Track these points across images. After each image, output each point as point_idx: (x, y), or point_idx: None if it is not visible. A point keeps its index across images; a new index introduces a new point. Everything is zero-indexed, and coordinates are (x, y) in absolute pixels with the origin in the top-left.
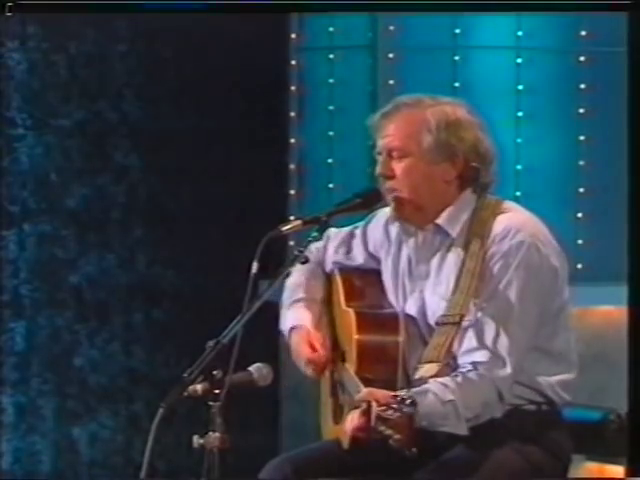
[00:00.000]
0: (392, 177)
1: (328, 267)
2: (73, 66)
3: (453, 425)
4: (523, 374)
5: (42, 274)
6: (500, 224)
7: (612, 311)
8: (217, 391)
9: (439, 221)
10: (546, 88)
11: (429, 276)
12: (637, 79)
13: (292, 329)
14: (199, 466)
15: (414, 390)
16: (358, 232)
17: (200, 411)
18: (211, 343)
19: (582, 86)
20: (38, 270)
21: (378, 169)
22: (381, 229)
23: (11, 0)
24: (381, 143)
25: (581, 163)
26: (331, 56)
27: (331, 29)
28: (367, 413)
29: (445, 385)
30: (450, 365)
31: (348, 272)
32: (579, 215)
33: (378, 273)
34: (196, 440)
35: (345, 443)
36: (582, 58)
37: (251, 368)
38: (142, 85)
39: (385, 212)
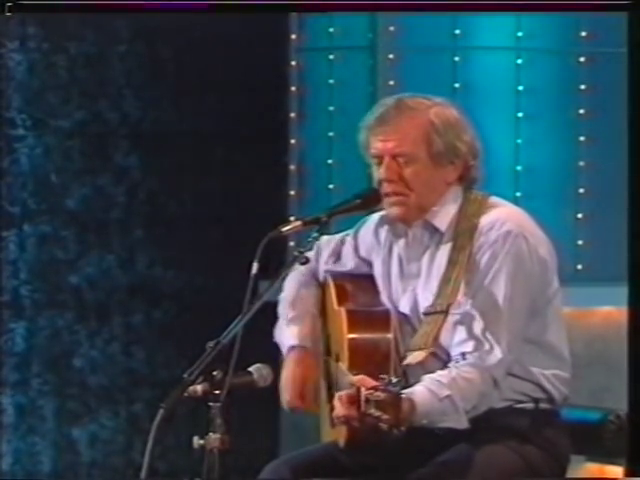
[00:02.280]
0: (398, 181)
1: (321, 275)
2: (73, 67)
3: (453, 420)
4: (520, 367)
5: (42, 275)
6: (487, 217)
7: (612, 312)
8: (217, 392)
9: (427, 217)
10: (546, 89)
11: (420, 274)
12: (637, 79)
13: (291, 349)
14: (199, 467)
15: (409, 390)
16: (349, 239)
17: (200, 412)
18: (211, 344)
19: (582, 87)
20: (38, 271)
21: (383, 174)
22: (371, 233)
23: (11, 0)
24: (382, 146)
25: (581, 164)
26: (331, 57)
27: (331, 29)
28: (356, 397)
29: (440, 382)
30: (438, 354)
31: (341, 277)
32: (579, 215)
33: (371, 277)
34: (196, 441)
35: (342, 442)
36: (582, 59)
37: (251, 369)
38: (142, 85)
39: (375, 217)
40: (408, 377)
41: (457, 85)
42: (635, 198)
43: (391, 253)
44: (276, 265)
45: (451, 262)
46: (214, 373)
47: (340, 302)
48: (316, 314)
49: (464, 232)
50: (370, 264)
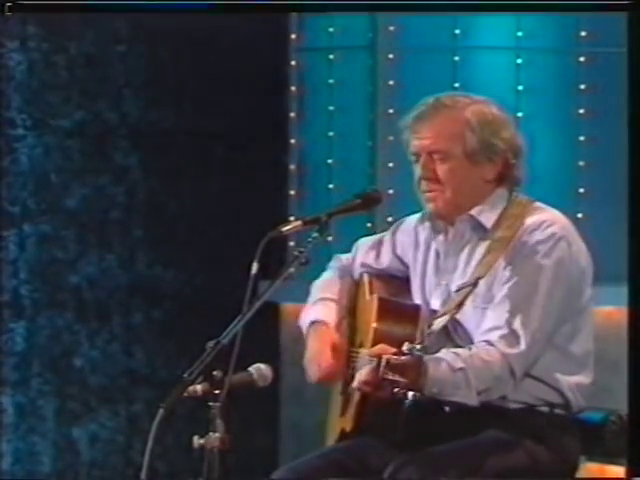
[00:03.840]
0: (434, 179)
1: (357, 273)
2: (73, 66)
3: (464, 395)
4: (545, 372)
5: (42, 275)
6: (533, 218)
7: (612, 312)
8: (217, 391)
9: (473, 212)
10: (546, 88)
11: (456, 269)
12: (637, 79)
13: (312, 323)
14: (199, 467)
15: (426, 357)
16: (387, 238)
17: (200, 412)
18: (211, 343)
19: (582, 86)
20: (38, 271)
21: (419, 172)
22: (411, 232)
23: (11, 0)
24: (419, 144)
25: (581, 163)
26: (331, 56)
27: (331, 29)
28: (377, 367)
29: (457, 354)
30: (459, 342)
31: (376, 273)
32: (579, 215)
33: (405, 278)
34: (196, 441)
35: (349, 426)
36: (582, 58)
37: (251, 368)
38: (142, 85)
39: (415, 217)
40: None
41: (457, 85)
42: (635, 198)
43: (429, 250)
44: (276, 265)
45: (488, 250)
46: (214, 373)
47: (372, 291)
48: (343, 305)
49: (507, 230)
50: (405, 264)
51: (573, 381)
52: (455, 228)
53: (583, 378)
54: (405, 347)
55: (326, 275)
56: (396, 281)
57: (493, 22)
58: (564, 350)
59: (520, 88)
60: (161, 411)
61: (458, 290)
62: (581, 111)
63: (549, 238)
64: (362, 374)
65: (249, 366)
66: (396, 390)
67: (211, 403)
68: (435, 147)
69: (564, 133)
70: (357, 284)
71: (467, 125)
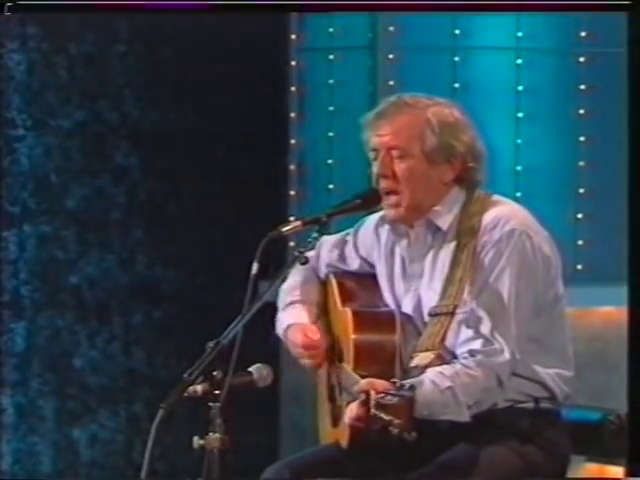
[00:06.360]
0: (391, 177)
1: (322, 272)
2: (73, 67)
3: (454, 412)
4: (522, 366)
5: (42, 275)
6: (490, 215)
7: (612, 312)
8: (217, 392)
9: (430, 216)
10: (546, 89)
11: (423, 274)
12: (637, 79)
13: (288, 327)
14: (199, 467)
15: (412, 380)
16: (349, 238)
17: (200, 412)
18: (211, 344)
19: (582, 87)
20: (38, 271)
21: (377, 169)
22: (371, 233)
23: (11, 0)
24: (378, 141)
25: (581, 164)
26: (331, 57)
27: (331, 29)
28: (366, 402)
29: (442, 373)
30: (444, 356)
31: (343, 275)
32: (579, 215)
33: (373, 276)
34: (196, 441)
35: (344, 443)
36: (582, 59)
37: (251, 369)
38: (142, 85)
39: (374, 217)
40: (410, 377)
41: (457, 85)
42: (635, 198)
43: (393, 254)
44: (276, 265)
45: (455, 262)
46: (214, 373)
47: (344, 302)
48: (315, 305)
49: (467, 231)
50: (371, 264)
51: (552, 372)
52: (415, 232)
53: (564, 371)
54: (393, 386)
55: (293, 278)
56: (365, 281)
57: (493, 22)
58: (542, 342)
59: (520, 88)
60: (161, 411)
61: (434, 315)
62: (581, 111)
63: (509, 236)
64: (352, 410)
65: (249, 366)
66: (390, 429)
67: (211, 403)
68: (394, 143)
69: (564, 133)
70: (324, 284)
71: (427, 125)
